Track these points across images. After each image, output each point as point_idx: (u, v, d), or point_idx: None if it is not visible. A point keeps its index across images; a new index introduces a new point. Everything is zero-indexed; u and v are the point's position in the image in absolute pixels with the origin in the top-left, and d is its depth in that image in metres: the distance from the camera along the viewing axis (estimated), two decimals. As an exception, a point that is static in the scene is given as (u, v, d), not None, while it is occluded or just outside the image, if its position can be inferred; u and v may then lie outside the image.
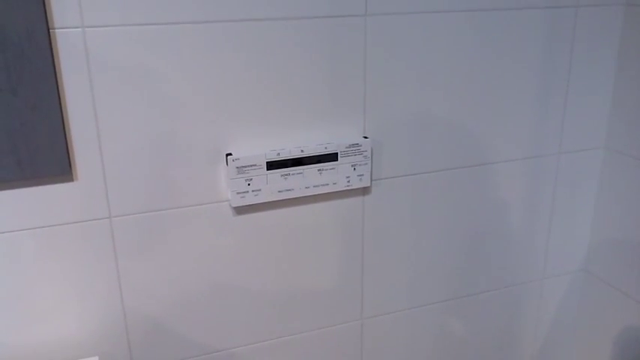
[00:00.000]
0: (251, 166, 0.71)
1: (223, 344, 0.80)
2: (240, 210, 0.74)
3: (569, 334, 1.11)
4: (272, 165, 0.72)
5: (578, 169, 0.95)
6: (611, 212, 0.98)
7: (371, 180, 0.79)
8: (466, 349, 1.01)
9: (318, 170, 0.74)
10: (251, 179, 0.71)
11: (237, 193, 0.71)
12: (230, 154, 0.70)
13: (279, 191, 0.74)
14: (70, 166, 0.64)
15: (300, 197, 0.76)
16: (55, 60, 0.60)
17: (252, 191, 0.72)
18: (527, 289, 1.00)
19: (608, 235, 0.99)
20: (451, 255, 0.91)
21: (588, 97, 0.90)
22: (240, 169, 0.70)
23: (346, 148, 0.75)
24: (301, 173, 0.74)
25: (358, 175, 0.77)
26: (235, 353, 0.82)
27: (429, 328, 0.95)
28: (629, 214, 0.94)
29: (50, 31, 0.59)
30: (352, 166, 0.76)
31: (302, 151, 0.73)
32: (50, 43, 0.59)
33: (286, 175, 0.73)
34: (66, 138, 0.63)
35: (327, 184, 0.76)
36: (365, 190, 0.80)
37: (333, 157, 0.74)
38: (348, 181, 0.77)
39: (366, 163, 0.77)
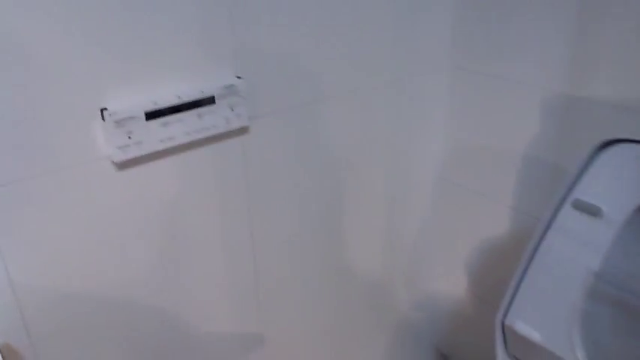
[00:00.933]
0: (129, 118, 0.69)
1: (121, 307, 0.80)
2: (123, 165, 0.73)
3: (434, 238, 1.28)
4: (150, 115, 0.71)
5: (430, 89, 1.07)
6: (461, 124, 1.13)
7: (249, 119, 0.82)
8: (347, 275, 1.12)
9: (198, 115, 0.75)
10: (131, 132, 0.70)
11: (118, 147, 0.70)
12: (105, 109, 0.68)
13: (161, 140, 0.73)
14: None
15: (182, 144, 0.76)
16: None
17: (134, 144, 0.71)
18: (393, 203, 1.13)
19: (461, 145, 1.15)
20: (329, 182, 0.98)
21: (431, 22, 1.01)
22: (119, 123, 0.69)
23: (222, 90, 0.76)
24: (181, 120, 0.74)
25: (236, 116, 0.79)
26: (134, 306, 0.82)
27: (315, 258, 1.03)
28: (477, 125, 1.09)
29: None
30: (230, 107, 0.78)
31: (179, 97, 0.73)
32: None
33: (166, 123, 0.73)
34: None
35: (208, 128, 0.77)
36: (244, 130, 0.83)
37: (210, 100, 0.76)
38: (227, 122, 0.79)
39: (243, 103, 0.79)
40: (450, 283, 1.32)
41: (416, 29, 0.99)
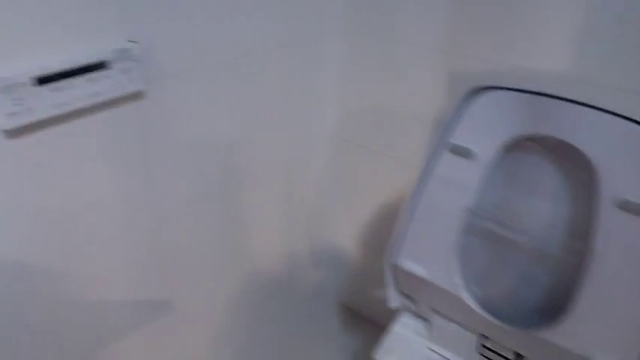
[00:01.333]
0: (17, 84, 0.68)
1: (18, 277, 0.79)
2: (14, 133, 0.71)
3: (333, 195, 1.35)
4: (40, 81, 0.70)
5: (323, 51, 1.12)
6: (356, 86, 1.20)
7: (145, 83, 0.82)
8: (249, 237, 1.16)
9: (91, 80, 0.75)
10: (21, 98, 0.69)
11: (7, 114, 0.68)
12: (-10, 75, 0.66)
13: (54, 106, 0.72)
14: None
15: (77, 110, 0.76)
16: None
17: (25, 111, 0.70)
18: (297, 161, 1.19)
19: (356, 105, 1.22)
20: (227, 145, 1.02)
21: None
22: (6, 89, 0.67)
23: (115, 54, 0.76)
24: (73, 86, 0.73)
25: (131, 80, 0.80)
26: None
27: (216, 222, 1.07)
28: (370, 85, 1.16)
29: None
30: (124, 71, 0.78)
31: (70, 62, 0.72)
32: None
33: (58, 89, 0.72)
34: None
35: (102, 93, 0.77)
36: (140, 95, 0.83)
37: (103, 65, 0.75)
38: (122, 87, 0.79)
39: (138, 68, 0.80)
40: (350, 238, 1.41)
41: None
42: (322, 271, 1.47)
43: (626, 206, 0.73)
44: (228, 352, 1.28)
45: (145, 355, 1.06)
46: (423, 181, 0.90)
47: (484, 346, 0.92)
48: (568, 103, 0.79)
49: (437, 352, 0.97)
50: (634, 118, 0.75)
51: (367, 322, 1.45)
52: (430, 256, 0.90)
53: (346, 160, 1.30)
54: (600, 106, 0.78)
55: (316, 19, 1.09)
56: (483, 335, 0.91)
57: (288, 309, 1.40)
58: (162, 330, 1.07)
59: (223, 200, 1.07)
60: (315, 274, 1.45)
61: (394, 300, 1.00)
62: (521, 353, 0.88)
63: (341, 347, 1.41)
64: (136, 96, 0.83)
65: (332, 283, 1.50)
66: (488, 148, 0.83)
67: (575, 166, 0.80)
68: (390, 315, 1.03)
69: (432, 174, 0.89)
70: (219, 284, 1.16)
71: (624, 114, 0.76)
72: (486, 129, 0.84)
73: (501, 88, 0.85)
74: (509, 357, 0.89)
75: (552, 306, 0.83)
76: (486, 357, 0.92)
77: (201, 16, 0.87)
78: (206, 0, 0.87)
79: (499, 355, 0.90)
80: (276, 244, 1.27)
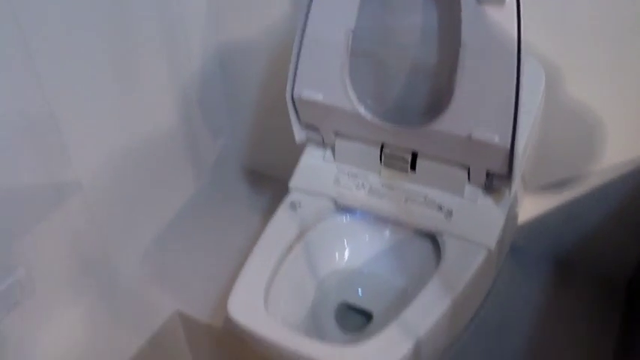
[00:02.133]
0: None
1: None
2: None
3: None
4: None
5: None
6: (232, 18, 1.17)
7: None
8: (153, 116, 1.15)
9: None
10: None
11: None
12: None
13: None
14: None
15: None
16: None
17: None
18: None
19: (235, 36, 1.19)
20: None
21: None
22: None
23: None
24: None
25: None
26: None
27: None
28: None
29: None
30: None
31: None
32: None
33: None
34: None
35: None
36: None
37: None
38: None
39: None
40: (241, 104, 1.43)
41: None
42: (222, 139, 1.50)
43: (483, -3, 0.82)
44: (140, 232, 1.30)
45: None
46: (307, 14, 0.93)
47: (384, 155, 1.03)
48: None
49: (344, 172, 1.07)
50: None
51: (274, 180, 1.51)
52: (324, 80, 0.96)
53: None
54: None
55: None
56: (382, 145, 1.02)
57: (191, 176, 1.42)
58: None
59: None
60: (216, 142, 1.48)
61: (299, 134, 1.07)
62: (415, 150, 1.00)
63: (249, 207, 1.48)
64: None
65: (234, 148, 1.54)
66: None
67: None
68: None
69: (313, 2, 0.92)
70: (120, 163, 1.16)
71: None
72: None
73: None
74: (406, 157, 1.01)
75: (437, 102, 0.94)
76: (387, 163, 1.04)
77: None
78: None
79: (398, 158, 1.02)
80: (171, 114, 1.27)
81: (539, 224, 1.23)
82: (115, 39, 1.05)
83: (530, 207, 1.21)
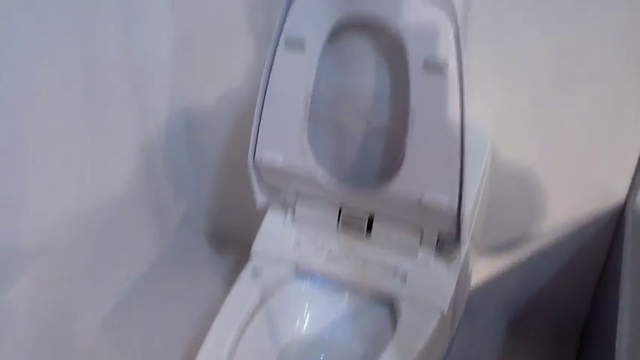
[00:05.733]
0: None
1: None
2: None
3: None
4: None
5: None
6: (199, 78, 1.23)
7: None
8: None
9: None
10: None
11: None
12: None
13: None
14: None
15: None
16: None
17: None
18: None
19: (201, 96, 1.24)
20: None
21: None
22: None
23: None
24: None
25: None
26: None
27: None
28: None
29: None
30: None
31: None
32: None
33: None
34: None
35: None
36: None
37: None
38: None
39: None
40: (206, 166, 1.46)
41: None
42: (184, 201, 1.51)
43: (428, 66, 0.88)
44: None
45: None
46: (267, 78, 0.99)
47: (342, 217, 1.06)
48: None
49: (305, 236, 1.10)
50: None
51: (238, 243, 1.52)
52: (284, 143, 1.00)
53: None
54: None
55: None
56: (341, 208, 1.06)
57: (153, 240, 1.42)
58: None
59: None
60: (179, 204, 1.48)
61: (260, 199, 1.10)
62: (372, 212, 1.04)
63: (212, 270, 1.47)
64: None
65: (196, 211, 1.55)
66: (318, 35, 0.93)
67: (387, 40, 0.93)
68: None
69: (274, 69, 0.97)
70: (81, 224, 1.15)
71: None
72: (315, 15, 0.92)
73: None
74: (363, 219, 1.05)
75: (391, 166, 0.98)
76: (345, 226, 1.07)
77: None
78: None
79: (355, 219, 1.06)
80: (136, 175, 1.28)
81: (493, 284, 1.26)
82: (81, 97, 1.08)
83: (483, 267, 1.25)
